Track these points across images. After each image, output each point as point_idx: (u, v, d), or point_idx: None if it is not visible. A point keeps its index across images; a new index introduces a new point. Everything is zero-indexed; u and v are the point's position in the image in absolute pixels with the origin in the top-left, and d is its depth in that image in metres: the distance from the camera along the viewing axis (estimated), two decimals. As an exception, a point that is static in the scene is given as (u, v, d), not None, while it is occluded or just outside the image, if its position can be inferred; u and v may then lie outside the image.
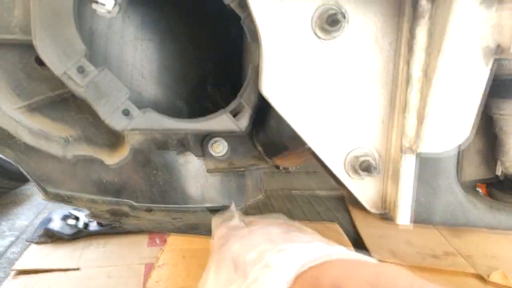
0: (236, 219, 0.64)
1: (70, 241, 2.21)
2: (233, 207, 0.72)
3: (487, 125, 0.72)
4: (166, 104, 0.89)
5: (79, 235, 2.24)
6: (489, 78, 0.55)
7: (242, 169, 0.82)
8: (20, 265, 1.96)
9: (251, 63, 0.68)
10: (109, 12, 0.50)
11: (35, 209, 2.79)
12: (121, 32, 0.84)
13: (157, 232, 2.28)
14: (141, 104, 0.79)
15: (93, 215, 0.79)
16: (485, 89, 0.56)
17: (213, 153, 0.84)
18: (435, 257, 1.91)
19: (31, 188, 3.12)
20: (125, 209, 0.86)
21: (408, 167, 0.61)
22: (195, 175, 0.97)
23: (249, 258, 0.49)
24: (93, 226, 2.31)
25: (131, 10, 0.83)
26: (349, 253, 0.50)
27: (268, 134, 0.75)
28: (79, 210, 2.47)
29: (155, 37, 0.87)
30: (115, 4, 0.50)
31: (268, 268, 0.46)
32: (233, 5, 0.66)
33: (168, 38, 0.89)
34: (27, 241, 2.22)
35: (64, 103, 0.77)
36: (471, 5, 0.50)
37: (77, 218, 2.37)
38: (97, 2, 0.49)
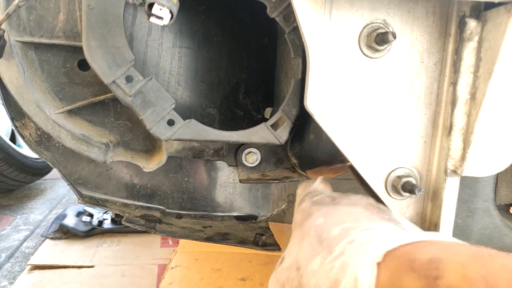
0: (321, 193, 0.61)
1: (84, 238, 2.23)
2: (318, 180, 0.69)
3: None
4: (200, 111, 0.90)
5: (93, 232, 2.26)
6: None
7: (275, 180, 0.82)
8: (35, 260, 1.99)
9: (293, 78, 0.68)
10: (165, 25, 0.51)
11: (49, 204, 2.82)
12: (160, 39, 0.85)
13: (174, 237, 2.30)
14: (176, 111, 0.80)
15: (128, 221, 0.80)
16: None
17: (246, 163, 0.84)
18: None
19: (45, 182, 3.15)
20: (157, 214, 0.87)
21: (452, 190, 0.61)
22: (225, 183, 0.98)
23: (334, 233, 0.48)
24: (107, 223, 2.33)
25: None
26: (442, 236, 0.49)
27: (306, 148, 0.75)
28: (94, 208, 2.49)
29: (192, 45, 0.88)
30: (171, 18, 0.51)
31: (354, 243, 0.46)
32: (278, 19, 0.66)
33: (204, 46, 0.90)
34: (42, 236, 2.25)
35: (104, 109, 0.78)
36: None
37: (91, 215, 2.39)
38: (155, 16, 0.50)
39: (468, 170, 0.59)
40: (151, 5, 0.51)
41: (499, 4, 0.52)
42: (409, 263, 0.41)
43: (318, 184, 0.66)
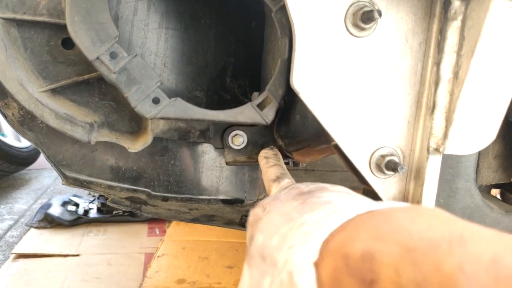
0: (256, 209, 0.57)
1: (69, 227, 2.21)
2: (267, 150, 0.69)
3: (506, 130, 0.73)
4: (186, 94, 0.89)
5: (79, 221, 2.24)
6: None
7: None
8: (19, 248, 1.96)
9: (280, 57, 0.68)
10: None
11: (33, 193, 2.78)
12: (146, 20, 0.84)
13: (156, 222, 2.29)
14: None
15: (113, 202, 0.80)
16: (513, 93, 0.57)
17: (232, 146, 0.84)
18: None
19: (30, 172, 3.11)
20: (142, 197, 0.87)
21: (433, 168, 0.62)
22: (211, 167, 0.98)
23: (273, 244, 0.44)
24: (93, 213, 2.31)
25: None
26: (371, 204, 0.44)
27: (292, 129, 0.76)
28: (79, 197, 2.47)
29: (179, 26, 0.88)
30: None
31: (293, 247, 0.41)
32: (265, -2, 0.66)
33: (191, 28, 0.89)
34: (27, 226, 2.22)
35: (88, 88, 0.77)
36: (508, 8, 0.51)
37: (77, 205, 2.37)
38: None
39: (450, 148, 0.60)
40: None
41: (482, -17, 0.53)
42: (344, 260, 0.35)
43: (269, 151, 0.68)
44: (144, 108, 0.64)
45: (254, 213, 0.55)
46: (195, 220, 0.84)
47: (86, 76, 0.74)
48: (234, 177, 1.03)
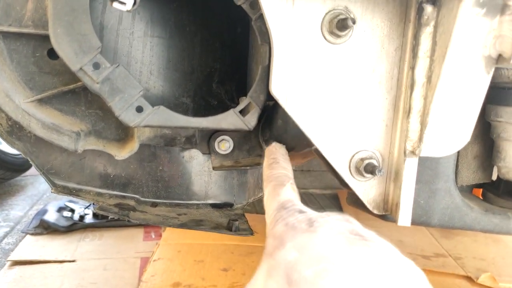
0: (295, 210, 0.53)
1: (65, 233, 2.22)
2: (288, 187, 0.60)
3: (484, 130, 0.75)
4: (173, 100, 0.90)
5: (75, 227, 2.25)
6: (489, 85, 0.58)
7: (247, 167, 0.84)
8: (15, 255, 1.97)
9: (260, 64, 0.70)
10: (128, 10, 0.52)
11: (29, 200, 2.79)
12: (131, 28, 0.85)
13: (152, 227, 2.30)
14: (148, 101, 0.81)
15: (101, 209, 0.81)
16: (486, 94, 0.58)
17: (219, 151, 0.86)
18: (426, 258, 1.95)
19: (26, 179, 3.11)
20: (131, 203, 0.88)
21: (410, 170, 0.64)
22: (199, 172, 0.99)
23: (306, 275, 0.41)
24: (89, 218, 2.32)
25: (141, 7, 0.84)
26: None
27: (275, 134, 0.77)
28: (75, 203, 2.48)
29: (164, 34, 0.89)
30: (134, 3, 0.52)
31: None
32: (244, 6, 0.68)
33: (176, 35, 0.91)
34: (23, 232, 2.22)
35: (74, 97, 0.78)
36: (475, 15, 0.53)
37: (72, 211, 2.38)
38: (118, 1, 0.51)
39: (425, 151, 0.62)
40: (113, -9, 0.51)
41: (451, -10, 0.54)
42: None
43: (289, 193, 0.59)
44: (128, 116, 0.65)
45: (296, 218, 0.51)
46: (183, 225, 0.86)
47: (72, 86, 0.75)
48: (223, 181, 1.04)
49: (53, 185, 0.85)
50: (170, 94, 0.91)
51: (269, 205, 0.60)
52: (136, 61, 0.86)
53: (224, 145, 0.86)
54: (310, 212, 0.53)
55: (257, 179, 1.10)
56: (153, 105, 0.81)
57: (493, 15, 0.52)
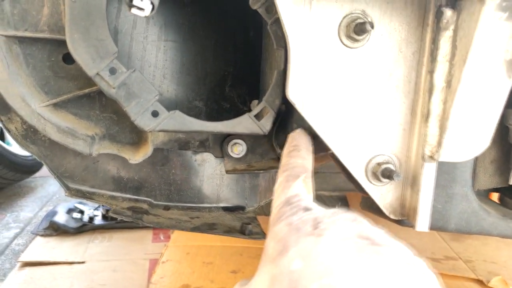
0: (300, 206, 0.49)
1: (75, 235, 2.23)
2: (300, 182, 0.55)
3: (502, 135, 0.74)
4: (186, 104, 0.90)
5: (84, 228, 2.26)
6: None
7: (260, 171, 0.83)
8: (25, 257, 1.98)
9: (276, 69, 0.69)
10: (146, 16, 0.52)
11: (39, 201, 2.81)
12: (145, 33, 0.85)
13: (161, 228, 2.31)
14: (162, 104, 0.81)
15: (115, 212, 0.81)
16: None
17: (232, 154, 0.86)
18: (436, 261, 1.94)
19: (35, 180, 3.14)
20: (144, 206, 0.88)
21: (429, 175, 0.63)
22: (212, 175, 0.99)
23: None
24: (98, 220, 2.33)
25: (155, 11, 0.85)
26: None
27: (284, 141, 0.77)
28: (84, 204, 2.49)
29: (177, 38, 0.89)
30: (152, 9, 0.52)
31: None
32: (260, 10, 0.67)
33: (190, 39, 0.91)
34: (33, 233, 2.24)
35: (89, 101, 0.79)
36: (497, 19, 0.52)
37: (82, 212, 2.39)
38: (136, 7, 0.51)
39: (444, 156, 0.61)
40: (132, -3, 0.51)
41: (472, -7, 0.54)
42: None
43: (299, 188, 0.55)
44: (144, 121, 0.65)
45: (300, 217, 0.47)
46: (195, 229, 0.86)
47: (86, 90, 0.76)
48: (235, 184, 1.04)
49: (67, 188, 0.85)
50: (183, 97, 0.91)
51: (277, 197, 0.56)
52: (149, 65, 0.86)
53: (237, 149, 0.85)
54: (316, 210, 0.49)
55: (268, 182, 1.10)
56: (166, 108, 0.81)
57: (517, 19, 0.51)
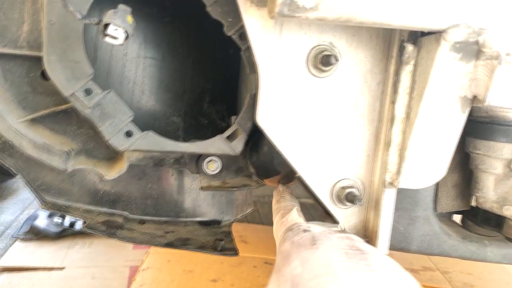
0: (300, 230, 0.60)
1: (55, 239, 2.21)
2: (294, 212, 0.68)
3: (463, 161, 0.78)
4: (164, 119, 0.92)
5: (65, 233, 2.25)
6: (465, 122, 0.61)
7: (234, 188, 0.86)
8: (4, 262, 1.96)
9: (249, 92, 0.72)
10: (121, 44, 0.54)
11: (21, 204, 2.78)
12: (124, 50, 0.87)
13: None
14: (140, 119, 0.83)
15: (89, 227, 0.82)
16: (462, 131, 0.61)
17: (207, 171, 0.88)
18: (414, 272, 1.98)
19: (18, 182, 3.10)
20: (119, 220, 0.89)
21: (389, 200, 0.66)
22: (188, 189, 1.01)
23: (309, 285, 0.47)
24: (79, 225, 2.32)
25: (135, 29, 0.87)
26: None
27: (262, 158, 0.79)
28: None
29: (157, 55, 0.91)
30: (126, 37, 0.54)
31: None
32: (234, 37, 0.70)
33: (169, 56, 0.93)
34: (13, 237, 2.22)
35: (66, 117, 0.80)
36: (452, 59, 0.55)
37: (63, 217, 2.38)
38: (110, 36, 0.53)
39: (403, 183, 0.64)
40: (106, 25, 0.54)
41: (430, 32, 0.57)
42: None
43: (295, 217, 0.67)
44: (117, 141, 0.67)
45: (301, 236, 0.57)
46: (169, 245, 0.87)
47: (64, 106, 0.77)
48: (211, 199, 1.06)
49: (43, 201, 0.86)
50: (161, 113, 0.93)
51: (277, 230, 0.67)
52: (128, 81, 0.88)
53: (213, 166, 0.87)
54: (315, 231, 0.59)
55: (245, 196, 1.12)
56: (144, 123, 0.83)
57: (469, 60, 0.55)
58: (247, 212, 1.14)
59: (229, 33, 0.69)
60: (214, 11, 0.66)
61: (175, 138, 0.90)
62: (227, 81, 1.02)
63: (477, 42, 0.53)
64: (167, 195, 0.99)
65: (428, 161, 0.62)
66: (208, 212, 1.05)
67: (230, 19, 0.66)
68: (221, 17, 0.67)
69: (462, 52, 0.54)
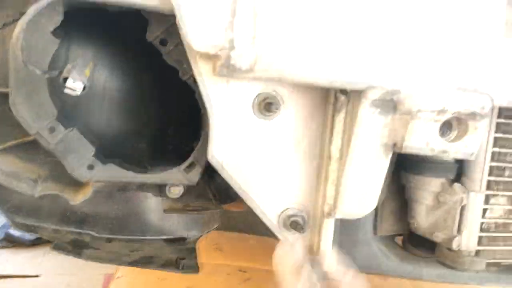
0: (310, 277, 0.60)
1: (31, 247, 2.23)
2: (298, 246, 0.72)
3: (400, 191, 0.86)
4: (130, 147, 0.98)
5: (40, 241, 2.27)
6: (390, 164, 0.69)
7: (195, 212, 0.92)
8: (-22, 270, 1.98)
9: (204, 129, 0.79)
10: (77, 95, 0.60)
11: (-4, 210, 2.78)
12: (90, 83, 0.92)
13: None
14: (106, 148, 0.89)
15: (56, 248, 0.88)
16: (388, 171, 0.69)
17: (170, 195, 0.94)
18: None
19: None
20: (87, 239, 0.95)
21: (329, 228, 0.75)
22: (155, 208, 1.07)
23: None
24: (56, 232, 2.34)
25: (101, 64, 0.92)
26: None
27: (219, 184, 0.86)
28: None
29: (122, 86, 0.97)
30: (84, 88, 0.60)
31: None
32: (188, 82, 0.77)
33: (134, 86, 0.99)
34: (-13, 245, 2.23)
35: (34, 147, 0.85)
36: (372, 113, 0.63)
37: (39, 223, 2.40)
38: (69, 88, 0.59)
39: (339, 214, 0.72)
40: (65, 79, 0.60)
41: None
42: None
43: (300, 254, 0.68)
44: (80, 173, 0.73)
45: (335, 271, 0.61)
46: (133, 263, 0.93)
47: (32, 137, 0.82)
48: (177, 216, 1.12)
49: (13, 222, 0.91)
50: (128, 140, 0.98)
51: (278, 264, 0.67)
52: (94, 113, 0.93)
53: (175, 190, 0.93)
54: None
55: (212, 212, 1.19)
56: (110, 150, 0.88)
57: (387, 114, 0.63)
58: (213, 228, 1.20)
59: (183, 78, 0.76)
60: (169, 59, 0.72)
61: (141, 163, 0.96)
62: (193, 107, 1.09)
63: (392, 100, 0.61)
64: (134, 214, 1.05)
65: (359, 196, 0.70)
66: (174, 230, 1.11)
67: (184, 66, 0.73)
68: (176, 64, 0.73)
69: (380, 107, 0.63)
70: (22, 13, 0.71)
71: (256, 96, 0.71)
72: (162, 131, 1.04)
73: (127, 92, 0.97)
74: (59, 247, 0.88)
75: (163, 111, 1.04)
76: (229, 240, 2.32)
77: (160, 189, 0.96)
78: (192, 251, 1.07)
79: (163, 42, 0.77)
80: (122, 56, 0.97)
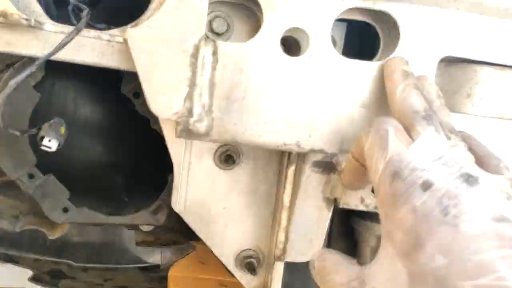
0: (420, 191, 0.41)
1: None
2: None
3: (349, 232, 0.95)
4: (106, 180, 1.06)
5: (28, 253, 2.33)
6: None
7: (165, 245, 1.00)
8: (-37, 282, 2.02)
9: (169, 175, 0.87)
10: (53, 151, 0.68)
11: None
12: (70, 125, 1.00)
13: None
14: (85, 182, 0.96)
15: (35, 279, 0.95)
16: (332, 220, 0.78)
17: (142, 228, 1.02)
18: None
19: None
20: (64, 268, 1.03)
21: (279, 270, 0.83)
22: (130, 238, 1.15)
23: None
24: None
25: (81, 98, 1.01)
26: None
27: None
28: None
29: (102, 122, 1.05)
30: (59, 145, 0.68)
31: None
32: (159, 130, 0.85)
33: (114, 121, 1.07)
34: (-27, 257, 2.28)
35: (17, 185, 0.93)
36: (315, 172, 0.72)
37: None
38: (44, 146, 0.67)
39: (288, 258, 0.80)
40: (42, 137, 0.68)
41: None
42: None
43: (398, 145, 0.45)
44: (55, 216, 0.81)
45: (422, 200, 0.41)
46: (105, 294, 1.01)
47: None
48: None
49: (-5, 253, 0.98)
50: (103, 175, 1.06)
51: (373, 162, 0.48)
52: (72, 145, 1.01)
53: (146, 225, 1.01)
54: (436, 184, 0.41)
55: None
56: (87, 186, 0.96)
57: (328, 173, 0.71)
58: (187, 253, 1.28)
59: (154, 127, 0.84)
60: (142, 110, 0.81)
61: (118, 195, 1.04)
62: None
63: (331, 162, 0.69)
64: (110, 243, 1.13)
65: (305, 243, 0.79)
66: (149, 257, 1.19)
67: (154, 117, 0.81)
68: (148, 114, 0.82)
69: (322, 167, 0.71)
70: (8, 65, 0.80)
71: (217, 149, 0.79)
72: (137, 165, 1.12)
73: (105, 126, 1.05)
74: (38, 279, 0.95)
75: (139, 146, 1.12)
76: (212, 254, 2.39)
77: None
78: (164, 278, 1.14)
79: (136, 95, 0.85)
80: (99, 92, 1.05)
